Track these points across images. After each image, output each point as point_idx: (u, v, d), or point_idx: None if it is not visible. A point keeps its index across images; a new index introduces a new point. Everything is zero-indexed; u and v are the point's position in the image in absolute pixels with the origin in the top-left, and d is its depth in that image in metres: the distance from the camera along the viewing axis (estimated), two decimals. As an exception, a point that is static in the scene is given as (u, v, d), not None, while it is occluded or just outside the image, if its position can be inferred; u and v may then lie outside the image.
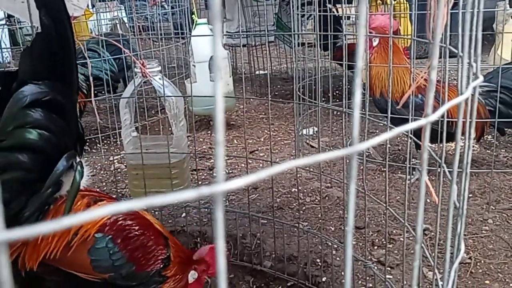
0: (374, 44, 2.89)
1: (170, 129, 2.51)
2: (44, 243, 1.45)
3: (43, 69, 1.39)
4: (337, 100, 4.14)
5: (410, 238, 2.13)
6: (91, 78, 3.12)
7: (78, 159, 1.49)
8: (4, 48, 4.82)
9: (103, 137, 3.60)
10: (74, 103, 1.50)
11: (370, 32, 2.76)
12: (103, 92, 3.40)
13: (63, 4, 1.38)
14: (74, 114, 1.50)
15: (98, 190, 1.69)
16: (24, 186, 1.40)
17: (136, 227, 1.54)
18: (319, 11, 3.02)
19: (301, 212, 2.60)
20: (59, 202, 1.48)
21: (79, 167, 1.47)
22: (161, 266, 1.55)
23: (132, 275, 1.51)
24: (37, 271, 1.46)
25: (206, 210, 2.52)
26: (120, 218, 1.53)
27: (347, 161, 2.00)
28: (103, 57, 3.53)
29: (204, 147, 3.80)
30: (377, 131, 3.82)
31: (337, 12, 4.68)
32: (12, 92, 1.37)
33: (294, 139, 3.54)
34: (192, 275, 1.63)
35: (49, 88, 1.38)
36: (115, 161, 3.34)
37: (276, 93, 5.29)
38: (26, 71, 1.38)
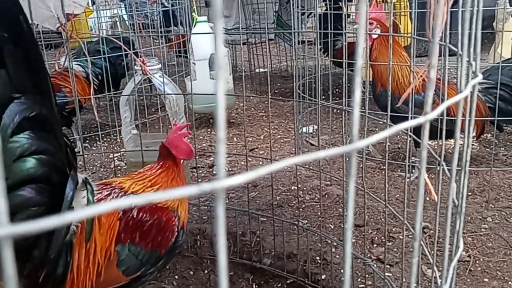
0: (374, 36, 2.88)
1: (170, 126, 2.51)
2: (81, 277, 1.46)
3: (20, 82, 1.25)
4: (337, 98, 4.15)
5: (409, 236, 2.14)
6: (90, 76, 3.13)
7: (82, 177, 1.46)
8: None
9: (103, 135, 3.61)
10: (57, 115, 1.38)
11: (370, 24, 2.75)
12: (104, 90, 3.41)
13: (19, 13, 1.21)
14: (59, 127, 1.39)
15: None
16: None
17: (147, 216, 1.55)
18: (329, 8, 3.01)
19: (301, 210, 2.60)
20: (79, 229, 1.45)
21: (89, 186, 1.46)
22: (177, 233, 1.59)
23: (159, 258, 1.57)
24: None
25: (205, 208, 2.52)
26: (129, 217, 1.53)
27: (347, 159, 2.00)
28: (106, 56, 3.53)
29: (204, 144, 3.80)
30: (377, 129, 3.83)
31: (349, 9, 4.68)
32: None
33: (294, 137, 3.55)
34: None
35: (33, 102, 1.26)
36: (115, 158, 3.35)
37: (276, 91, 5.29)
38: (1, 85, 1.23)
